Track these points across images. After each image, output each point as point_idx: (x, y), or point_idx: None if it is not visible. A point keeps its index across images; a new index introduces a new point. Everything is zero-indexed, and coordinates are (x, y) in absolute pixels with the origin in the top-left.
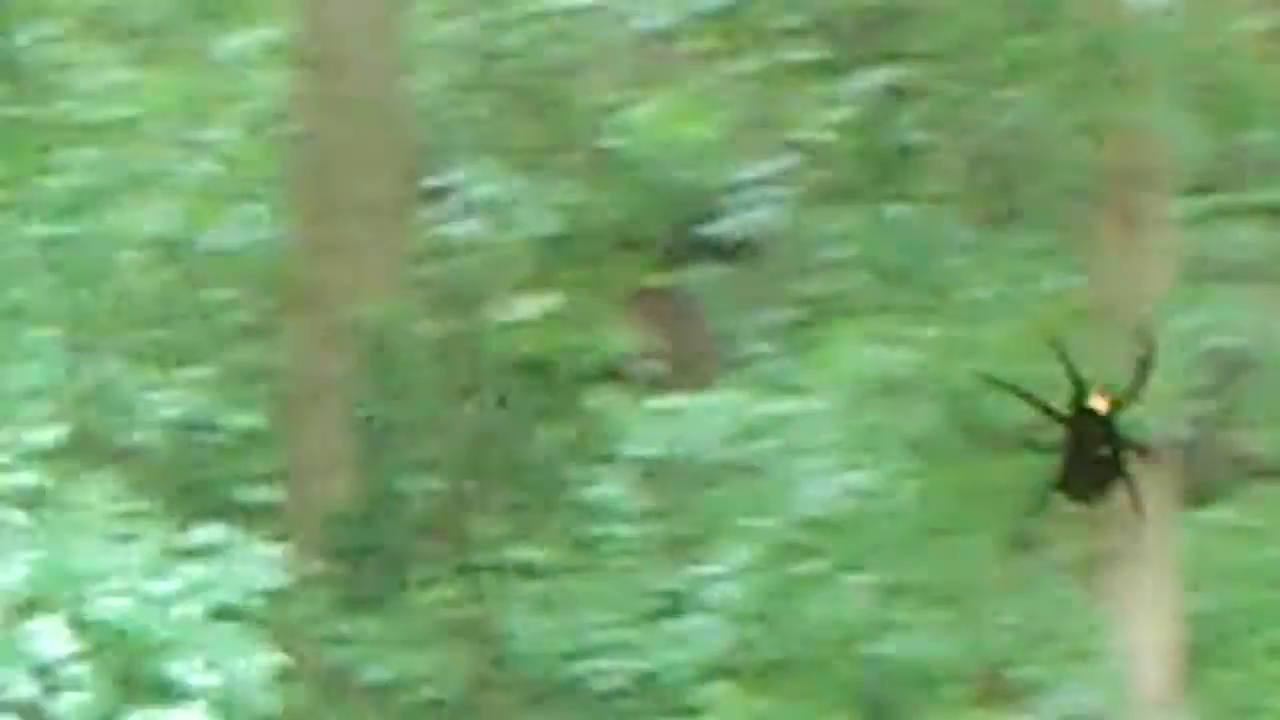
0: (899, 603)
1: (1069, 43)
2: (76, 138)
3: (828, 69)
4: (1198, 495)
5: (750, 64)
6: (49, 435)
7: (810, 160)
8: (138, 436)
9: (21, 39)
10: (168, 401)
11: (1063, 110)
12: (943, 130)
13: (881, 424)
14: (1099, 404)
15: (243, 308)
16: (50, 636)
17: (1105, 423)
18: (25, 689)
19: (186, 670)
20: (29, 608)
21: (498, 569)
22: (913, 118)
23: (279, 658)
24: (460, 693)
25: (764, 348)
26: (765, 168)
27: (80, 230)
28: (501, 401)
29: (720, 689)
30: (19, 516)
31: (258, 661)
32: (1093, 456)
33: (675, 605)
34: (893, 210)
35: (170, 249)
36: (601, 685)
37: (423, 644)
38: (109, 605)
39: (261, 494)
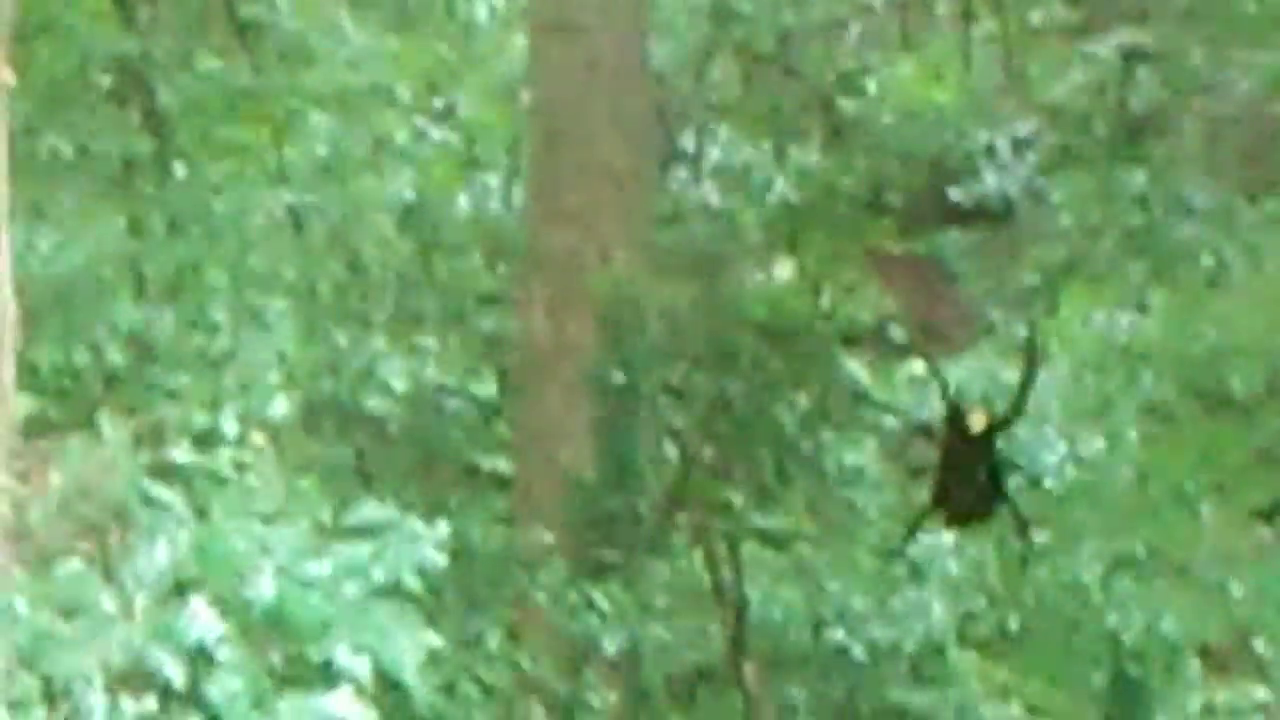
0: (1134, 573)
1: None
2: (318, 105)
3: (1070, 31)
4: None
5: (993, 27)
6: (279, 405)
7: (1052, 124)
8: (374, 404)
9: (260, 7)
10: (404, 370)
11: None
12: (1184, 94)
13: (1115, 391)
14: (975, 423)
15: (482, 275)
16: (202, 618)
17: (982, 443)
18: (176, 671)
19: (340, 653)
20: (180, 588)
21: (740, 537)
22: (1154, 81)
23: (434, 639)
24: (706, 662)
25: (1009, 314)
26: (1009, 132)
27: (321, 199)
28: (743, 369)
29: (959, 658)
30: (173, 495)
31: (414, 644)
32: (971, 477)
33: (915, 574)
34: (1133, 175)
35: (410, 217)
36: (845, 653)
37: (664, 613)
38: (263, 586)
39: (499, 463)
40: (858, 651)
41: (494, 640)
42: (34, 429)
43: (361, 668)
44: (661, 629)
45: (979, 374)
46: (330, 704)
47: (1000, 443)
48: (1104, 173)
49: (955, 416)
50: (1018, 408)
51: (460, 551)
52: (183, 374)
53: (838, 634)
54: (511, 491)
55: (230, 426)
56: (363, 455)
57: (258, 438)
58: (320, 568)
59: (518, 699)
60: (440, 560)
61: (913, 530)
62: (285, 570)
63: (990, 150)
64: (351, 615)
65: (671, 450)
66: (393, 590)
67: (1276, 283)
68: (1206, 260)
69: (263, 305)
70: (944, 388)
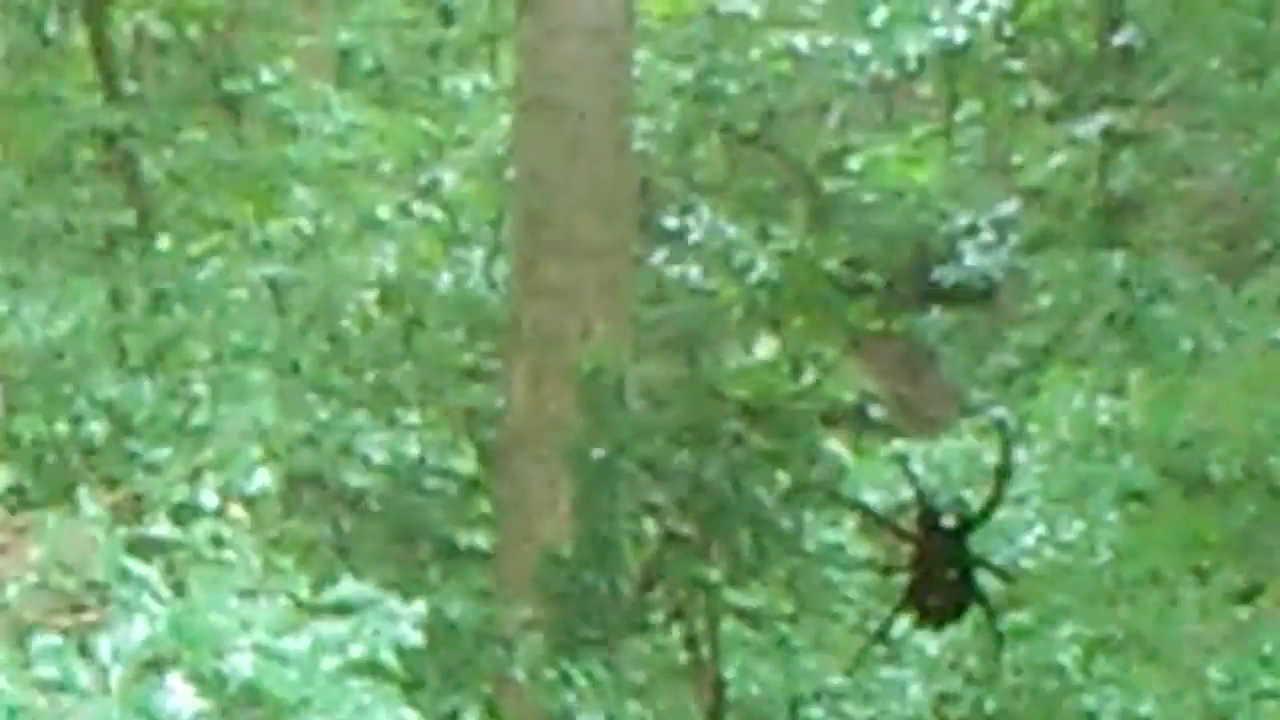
0: (1111, 655)
1: None
2: (302, 179)
3: (1052, 114)
4: None
5: (974, 109)
6: (259, 479)
7: (1034, 206)
8: (355, 480)
9: (245, 83)
10: (385, 445)
11: None
12: (1165, 177)
13: (1093, 474)
14: (949, 522)
15: (463, 350)
16: (179, 694)
17: (956, 542)
18: None
19: None
20: (158, 664)
21: (718, 614)
22: (1136, 163)
23: (411, 717)
24: None
25: (989, 395)
26: (991, 213)
27: (303, 272)
28: (723, 446)
29: None
30: (151, 570)
31: (391, 719)
32: (943, 576)
33: (892, 653)
34: (1114, 257)
35: (392, 291)
36: None
37: (642, 690)
38: (240, 662)
39: (478, 538)
40: None
41: (472, 717)
42: (13, 501)
43: None
44: (639, 706)
45: (958, 455)
46: None
47: (974, 537)
48: (1085, 255)
49: (927, 516)
50: (991, 505)
51: (438, 627)
52: (162, 446)
53: (815, 712)
54: (490, 567)
55: (210, 499)
56: (341, 529)
57: (237, 510)
58: (298, 644)
59: None
60: (417, 638)
61: (883, 631)
62: (263, 646)
63: (972, 230)
64: (329, 692)
65: (650, 526)
66: (370, 668)
67: (1257, 366)
68: (1187, 343)
69: (243, 378)
70: (915, 485)
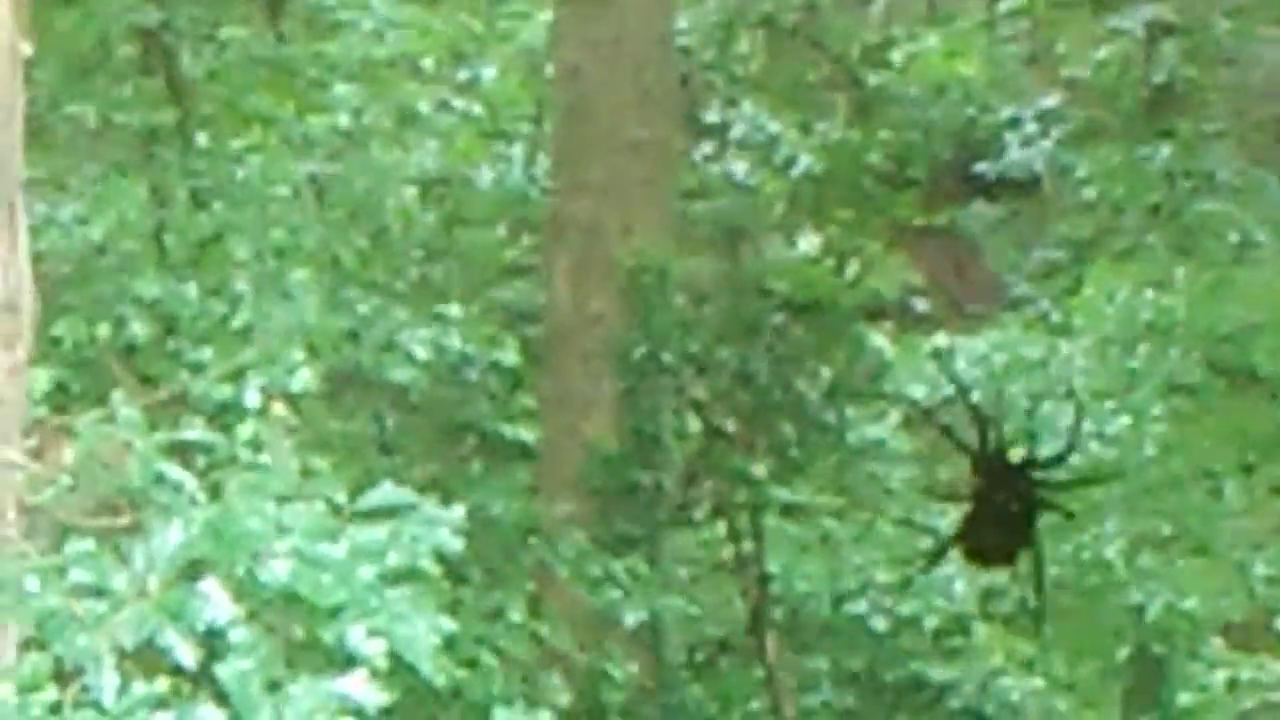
0: (1157, 550)
1: None
2: (342, 76)
3: (1097, 4)
4: None
5: (1017, 1)
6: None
7: (1077, 99)
8: (398, 375)
9: None
10: (428, 340)
11: None
12: (1210, 67)
13: (1139, 368)
14: (1015, 455)
15: (506, 246)
16: (214, 600)
17: (1020, 477)
18: (187, 653)
19: (354, 636)
20: (193, 570)
21: (762, 509)
22: (1179, 54)
23: (450, 625)
24: (727, 634)
25: (1033, 288)
26: (1034, 106)
27: (344, 169)
28: (766, 341)
29: (981, 632)
30: (186, 475)
31: (429, 629)
32: (1000, 512)
33: (938, 547)
34: (1158, 149)
35: (433, 188)
36: (867, 626)
37: (686, 586)
38: (276, 568)
39: (522, 432)
40: (879, 624)
41: (515, 612)
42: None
43: (375, 651)
44: (683, 601)
45: (1002, 349)
46: (343, 686)
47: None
48: (1129, 147)
49: (995, 453)
50: (1065, 453)
51: (481, 523)
52: (205, 346)
53: (859, 606)
54: (534, 462)
55: (253, 398)
56: (385, 425)
57: (280, 409)
58: (335, 550)
59: (538, 671)
60: (457, 545)
61: (933, 561)
62: (299, 552)
63: (1015, 124)
64: (366, 599)
65: (694, 422)
66: (409, 574)
67: None
68: (1232, 235)
69: (285, 276)
70: (978, 415)
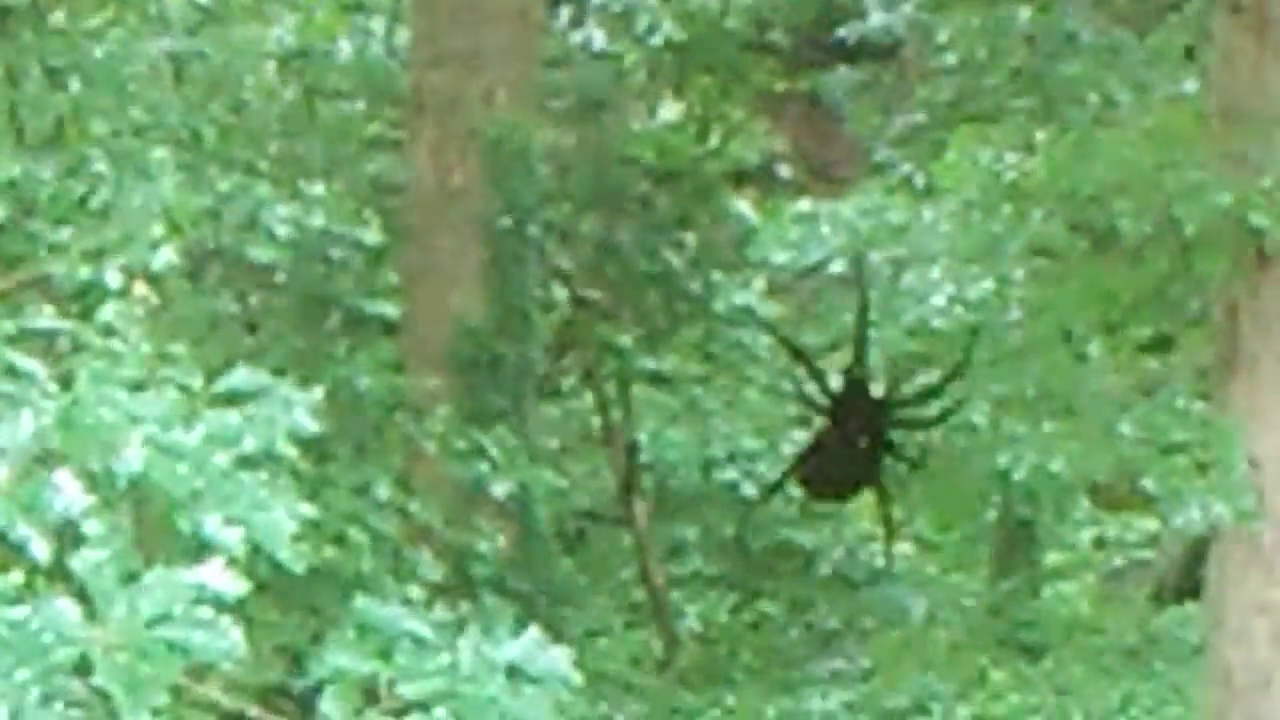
0: (1023, 413)
1: None
2: None
3: None
4: None
5: None
6: (162, 257)
7: None
8: (260, 253)
9: None
10: (290, 217)
11: None
12: None
13: (1003, 231)
14: (877, 391)
15: (367, 120)
16: (67, 492)
17: (877, 412)
18: (41, 546)
19: (210, 525)
20: (45, 461)
21: (629, 379)
22: None
23: (308, 510)
24: (596, 504)
25: (895, 153)
26: None
27: (202, 45)
28: (631, 210)
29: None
30: (36, 364)
31: (287, 515)
32: (847, 448)
33: (805, 415)
34: (1019, 11)
35: (292, 62)
36: (736, 492)
37: (554, 457)
38: (130, 457)
39: (387, 309)
40: (748, 490)
41: (383, 488)
42: None
43: (233, 539)
44: (551, 472)
45: (867, 213)
46: (200, 576)
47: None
48: (990, 9)
49: (856, 381)
50: (926, 394)
51: (347, 398)
52: (65, 226)
53: (728, 473)
54: (399, 338)
55: (114, 278)
56: (248, 303)
57: (141, 289)
58: (189, 437)
59: (407, 546)
60: (314, 427)
61: (773, 491)
62: (153, 440)
63: None
64: (222, 486)
65: (560, 293)
66: (266, 459)
67: (1164, 119)
68: (1094, 97)
69: (145, 154)
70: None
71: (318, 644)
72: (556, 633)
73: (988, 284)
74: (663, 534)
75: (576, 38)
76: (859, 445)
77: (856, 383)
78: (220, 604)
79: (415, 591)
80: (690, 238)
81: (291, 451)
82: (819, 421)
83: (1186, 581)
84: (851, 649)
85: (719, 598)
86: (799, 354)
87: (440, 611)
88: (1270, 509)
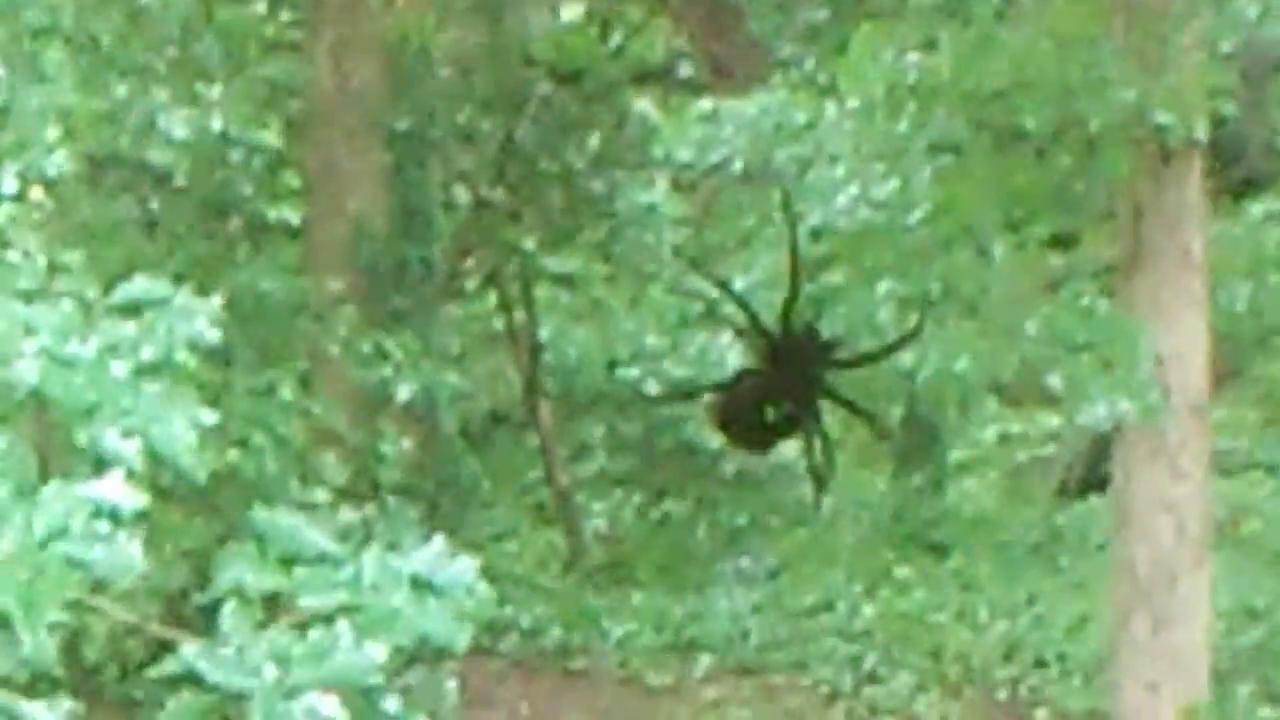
0: (928, 312)
1: None
2: None
3: None
4: (1238, 191)
5: None
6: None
7: None
8: (159, 158)
9: None
10: (188, 120)
11: None
12: None
13: (905, 129)
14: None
15: (265, 22)
16: None
17: (817, 352)
18: None
19: (108, 437)
20: None
21: (533, 279)
22: None
23: (208, 417)
24: (501, 405)
25: (798, 50)
26: None
27: None
28: (532, 111)
29: None
30: None
31: (186, 423)
32: (772, 394)
33: (709, 313)
34: None
35: None
36: (641, 392)
37: (458, 359)
38: (24, 369)
39: (287, 212)
40: (652, 388)
41: (286, 391)
42: None
43: (131, 451)
44: (455, 374)
45: (770, 112)
46: (98, 489)
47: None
48: None
49: (795, 334)
50: (866, 358)
51: (250, 302)
52: None
53: (632, 372)
54: (301, 241)
55: (9, 184)
56: (148, 208)
57: (37, 194)
58: (86, 348)
59: (311, 449)
60: (213, 336)
61: (675, 399)
62: (48, 352)
63: None
64: (119, 396)
65: (462, 194)
66: (165, 368)
67: (1066, 15)
68: None
69: (40, 57)
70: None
71: (223, 547)
72: (462, 537)
73: (893, 183)
74: (568, 434)
75: None
76: (791, 393)
77: (793, 327)
78: (117, 517)
79: (320, 495)
80: (593, 138)
81: (191, 360)
82: (724, 324)
83: (1090, 476)
84: (758, 547)
85: (624, 497)
86: (729, 291)
87: (346, 514)
88: (1174, 405)
